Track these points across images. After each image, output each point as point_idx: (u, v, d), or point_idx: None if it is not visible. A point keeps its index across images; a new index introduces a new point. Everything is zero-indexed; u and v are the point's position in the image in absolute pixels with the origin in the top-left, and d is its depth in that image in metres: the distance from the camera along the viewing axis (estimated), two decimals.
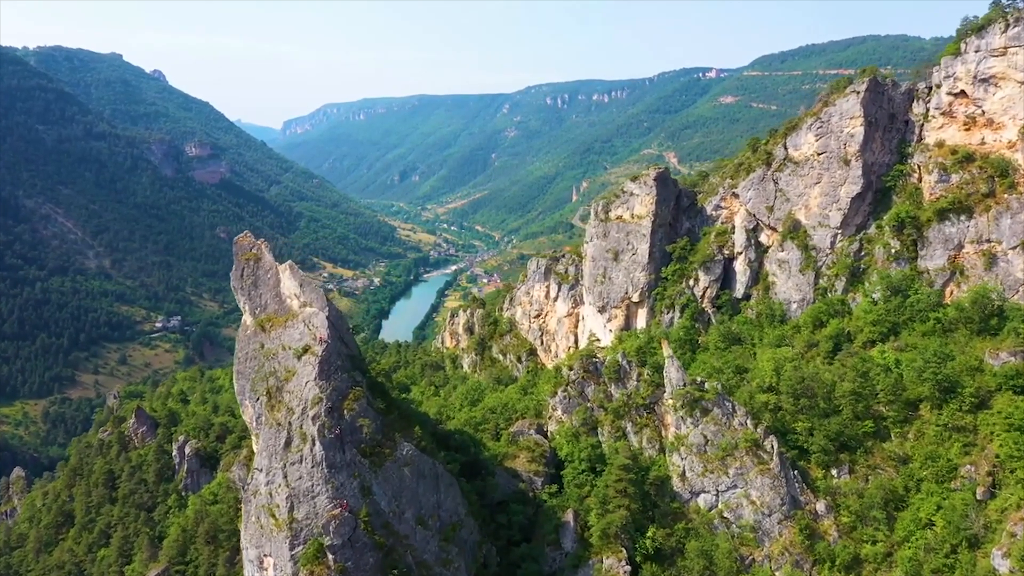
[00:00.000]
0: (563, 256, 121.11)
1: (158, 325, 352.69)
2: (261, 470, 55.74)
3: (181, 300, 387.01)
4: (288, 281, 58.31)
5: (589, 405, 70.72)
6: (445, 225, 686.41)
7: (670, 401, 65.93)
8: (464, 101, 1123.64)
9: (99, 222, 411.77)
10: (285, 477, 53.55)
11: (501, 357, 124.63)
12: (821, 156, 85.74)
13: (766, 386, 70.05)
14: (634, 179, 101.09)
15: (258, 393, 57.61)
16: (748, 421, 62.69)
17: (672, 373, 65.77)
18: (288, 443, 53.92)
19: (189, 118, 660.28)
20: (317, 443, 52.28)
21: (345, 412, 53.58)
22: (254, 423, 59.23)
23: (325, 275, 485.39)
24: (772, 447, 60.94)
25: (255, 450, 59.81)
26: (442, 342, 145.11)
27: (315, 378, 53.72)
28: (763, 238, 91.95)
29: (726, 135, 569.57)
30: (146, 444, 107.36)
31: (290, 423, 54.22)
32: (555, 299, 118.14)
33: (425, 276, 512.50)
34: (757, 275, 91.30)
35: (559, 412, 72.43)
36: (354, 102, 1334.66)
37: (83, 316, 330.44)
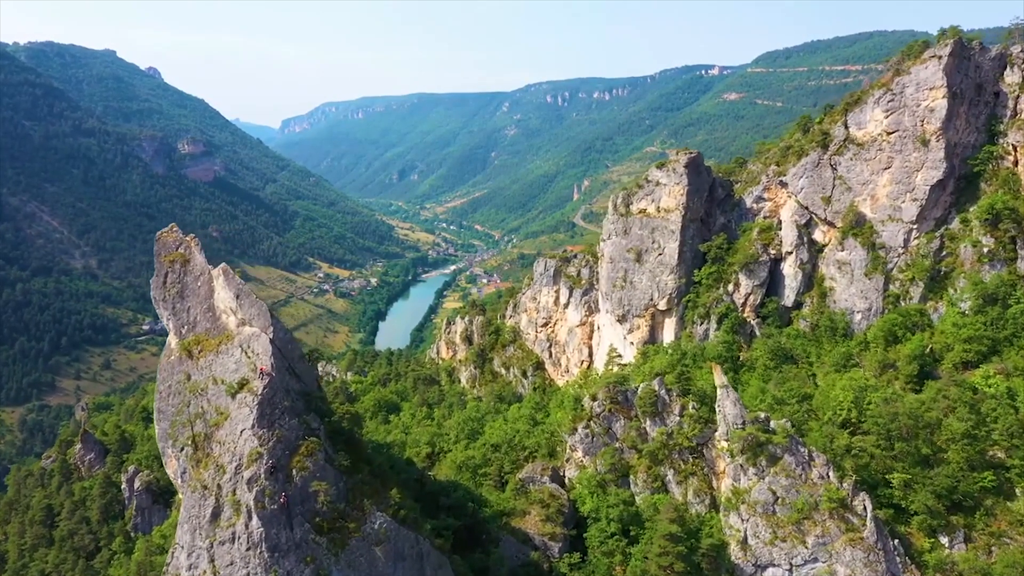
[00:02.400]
0: (575, 256, 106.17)
1: (145, 328, 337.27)
2: (183, 547, 41.04)
3: None
4: (222, 291, 43.61)
5: (618, 446, 55.95)
6: (444, 224, 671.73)
7: (725, 444, 51.25)
8: (463, 99, 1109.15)
9: (86, 220, 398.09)
10: (212, 562, 38.85)
11: (504, 371, 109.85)
12: (892, 135, 70.98)
13: (840, 421, 55.55)
14: (660, 166, 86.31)
15: (181, 442, 42.92)
16: (831, 473, 47.98)
17: (727, 407, 51.07)
18: (216, 514, 39.21)
19: (183, 115, 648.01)
20: (254, 516, 37.58)
21: (294, 472, 38.87)
22: (179, 480, 44.55)
23: (321, 275, 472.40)
24: (865, 508, 46.25)
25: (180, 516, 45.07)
26: (437, 352, 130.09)
27: (253, 425, 39.01)
28: (818, 235, 77.23)
29: (731, 132, 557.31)
30: (93, 474, 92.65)
31: (219, 486, 39.50)
32: (566, 306, 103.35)
33: (423, 276, 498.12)
34: (811, 279, 76.62)
35: (579, 453, 57.66)
36: (353, 101, 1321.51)
37: (66, 318, 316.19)
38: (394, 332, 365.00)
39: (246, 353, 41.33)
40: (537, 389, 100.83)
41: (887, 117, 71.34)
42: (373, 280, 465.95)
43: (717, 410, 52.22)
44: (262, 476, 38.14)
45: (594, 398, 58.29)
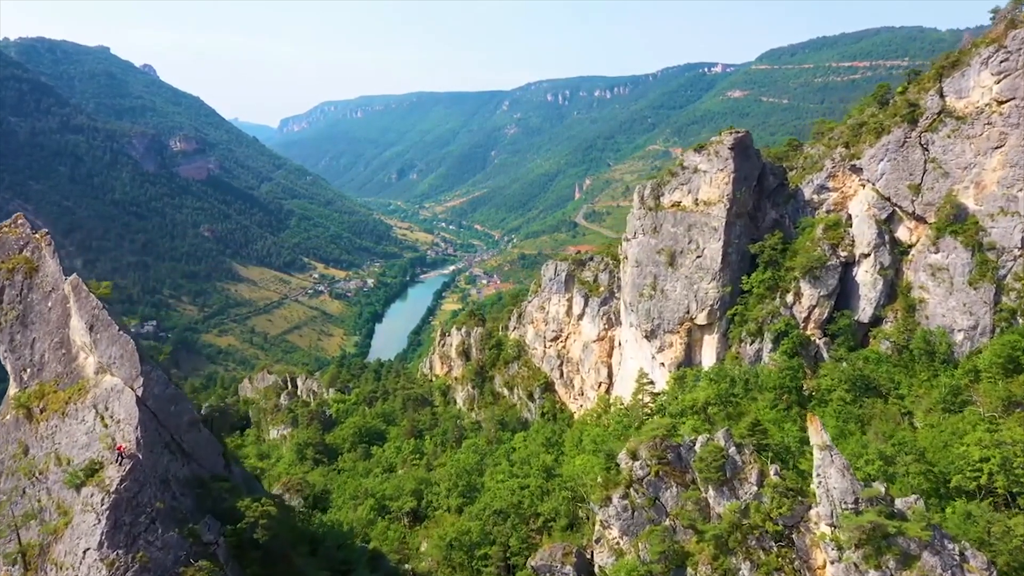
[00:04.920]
0: (591, 259, 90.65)
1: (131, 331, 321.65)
2: None
3: (157, 303, 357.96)
4: (74, 317, 28.25)
5: (669, 524, 40.54)
6: (443, 224, 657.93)
7: (827, 530, 35.82)
8: (463, 98, 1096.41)
9: (72, 219, 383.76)
10: None
11: (506, 392, 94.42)
12: (1006, 105, 55.54)
13: (970, 488, 40.24)
14: (699, 149, 70.90)
15: (9, 554, 27.49)
16: None
17: (832, 477, 35.65)
18: None
19: (178, 113, 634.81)
20: None
21: None
22: None
23: (316, 275, 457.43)
24: None
25: None
26: (430, 368, 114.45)
27: (101, 544, 23.62)
28: (903, 233, 61.82)
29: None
30: None
31: None
32: (580, 317, 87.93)
33: (422, 277, 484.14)
34: (894, 288, 61.21)
35: (615, 532, 42.19)
36: (352, 100, 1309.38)
37: None
38: (391, 334, 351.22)
39: (102, 418, 25.93)
40: (546, 415, 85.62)
41: (999, 81, 55.91)
42: (370, 281, 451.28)
43: (816, 480, 36.78)
44: None
45: (634, 456, 42.73)
